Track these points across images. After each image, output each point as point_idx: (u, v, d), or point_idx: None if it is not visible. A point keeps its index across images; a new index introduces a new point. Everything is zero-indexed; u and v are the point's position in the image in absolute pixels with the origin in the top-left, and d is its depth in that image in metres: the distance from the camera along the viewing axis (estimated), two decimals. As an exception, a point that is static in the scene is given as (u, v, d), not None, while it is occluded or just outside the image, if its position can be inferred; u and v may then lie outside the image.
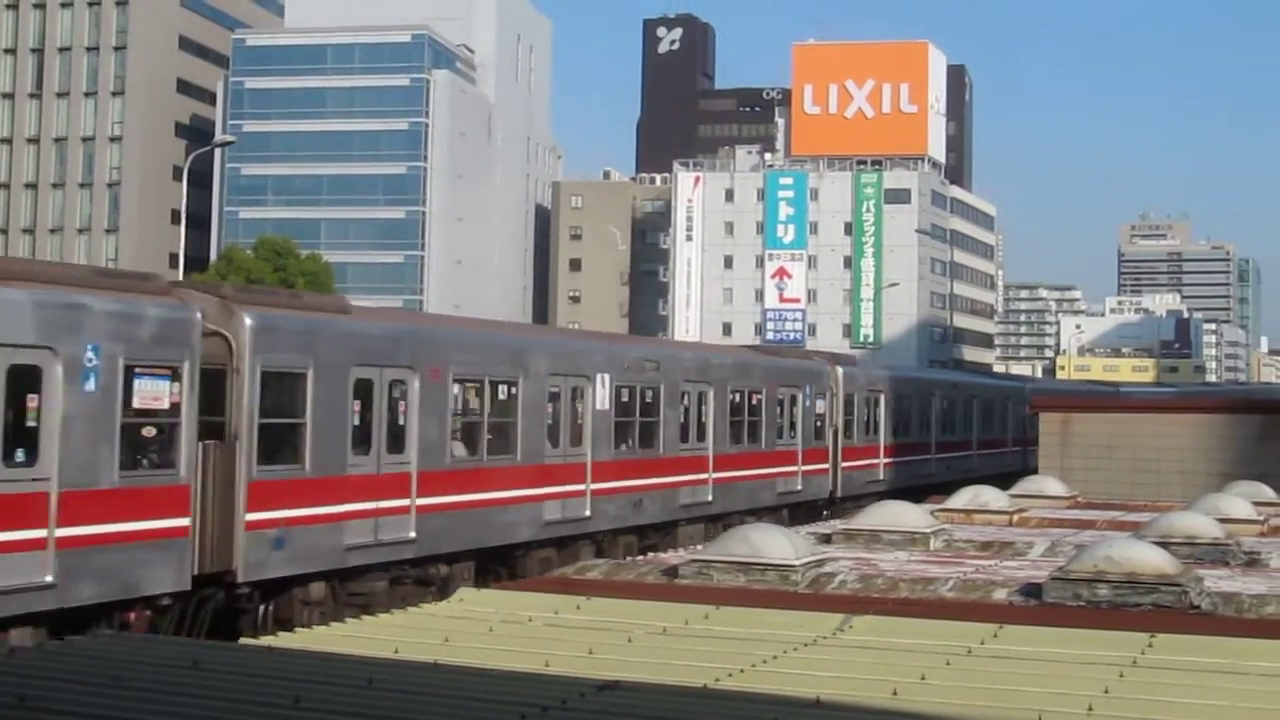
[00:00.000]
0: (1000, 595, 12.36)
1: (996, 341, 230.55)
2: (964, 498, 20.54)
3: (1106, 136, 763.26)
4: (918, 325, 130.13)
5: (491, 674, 7.38)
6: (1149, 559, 12.16)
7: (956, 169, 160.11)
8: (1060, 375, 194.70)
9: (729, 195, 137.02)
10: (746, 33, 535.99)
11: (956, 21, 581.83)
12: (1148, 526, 16.44)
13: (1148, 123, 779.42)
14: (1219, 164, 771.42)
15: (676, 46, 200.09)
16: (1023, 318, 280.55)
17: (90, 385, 15.72)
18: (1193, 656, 9.79)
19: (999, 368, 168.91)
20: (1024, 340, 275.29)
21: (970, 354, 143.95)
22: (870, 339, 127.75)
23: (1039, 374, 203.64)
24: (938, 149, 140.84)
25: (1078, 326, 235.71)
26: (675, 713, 6.79)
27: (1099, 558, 12.24)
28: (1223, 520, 18.64)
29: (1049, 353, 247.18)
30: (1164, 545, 15.97)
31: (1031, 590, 12.36)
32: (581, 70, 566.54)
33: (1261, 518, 19.60)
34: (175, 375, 16.65)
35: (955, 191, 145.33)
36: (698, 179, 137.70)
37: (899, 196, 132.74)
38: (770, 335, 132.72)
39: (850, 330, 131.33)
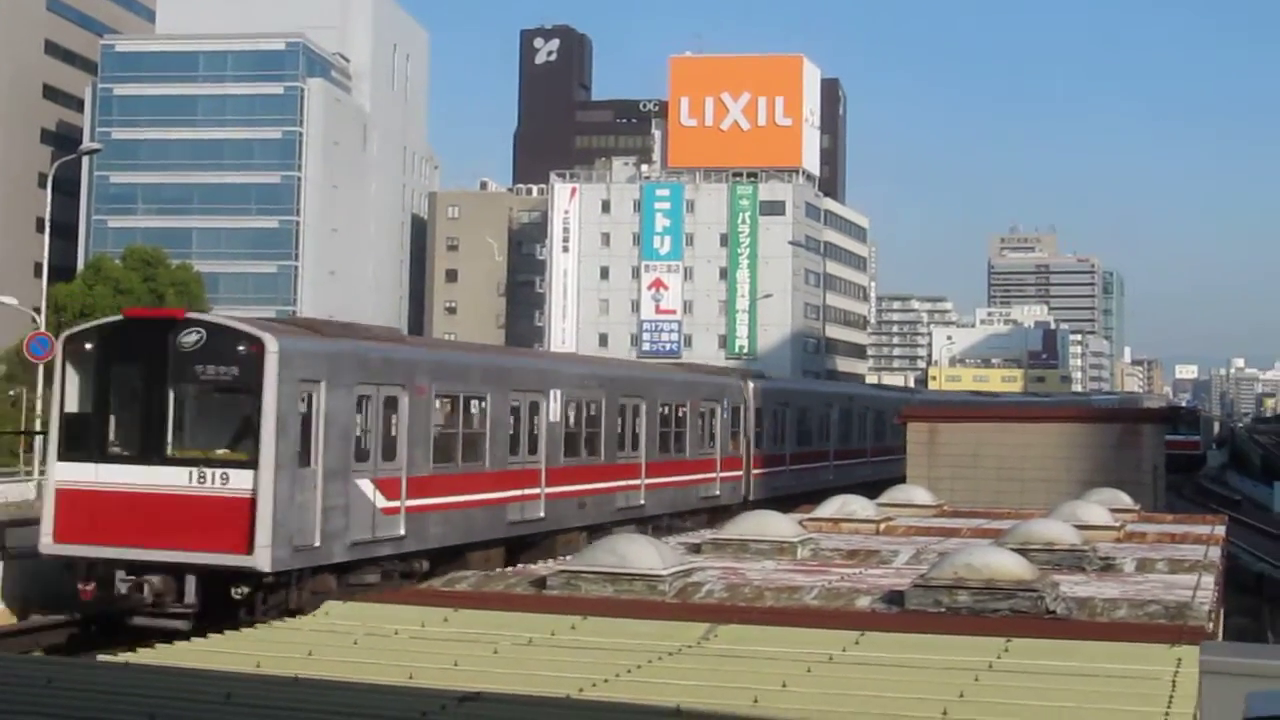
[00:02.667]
0: (864, 603, 12.55)
1: (869, 352, 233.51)
2: (832, 507, 20.79)
3: (977, 151, 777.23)
4: (792, 336, 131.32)
5: (353, 687, 7.36)
6: (1007, 566, 12.42)
7: (830, 181, 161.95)
8: (932, 385, 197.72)
9: (605, 206, 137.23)
10: (624, 45, 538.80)
11: (830, 36, 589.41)
12: (1008, 534, 16.77)
13: (1017, 138, 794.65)
14: (1086, 179, 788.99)
15: (554, 58, 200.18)
16: (895, 328, 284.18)
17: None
18: (1046, 660, 10.02)
19: (871, 378, 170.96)
20: (897, 351, 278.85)
21: (843, 364, 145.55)
22: (745, 350, 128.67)
23: (911, 384, 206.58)
24: (812, 162, 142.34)
25: (949, 338, 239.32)
26: (535, 723, 6.84)
27: (959, 565, 12.49)
28: (1081, 527, 19.08)
29: (921, 363, 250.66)
30: (1023, 552, 16.32)
31: (894, 597, 12.56)
32: (459, 80, 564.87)
33: (1118, 524, 20.07)
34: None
35: (829, 204, 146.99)
36: (574, 190, 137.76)
37: (774, 208, 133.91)
38: (646, 346, 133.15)
39: (726, 341, 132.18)
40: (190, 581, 20.78)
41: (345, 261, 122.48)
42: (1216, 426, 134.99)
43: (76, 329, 23.26)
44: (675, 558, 13.44)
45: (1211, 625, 15.14)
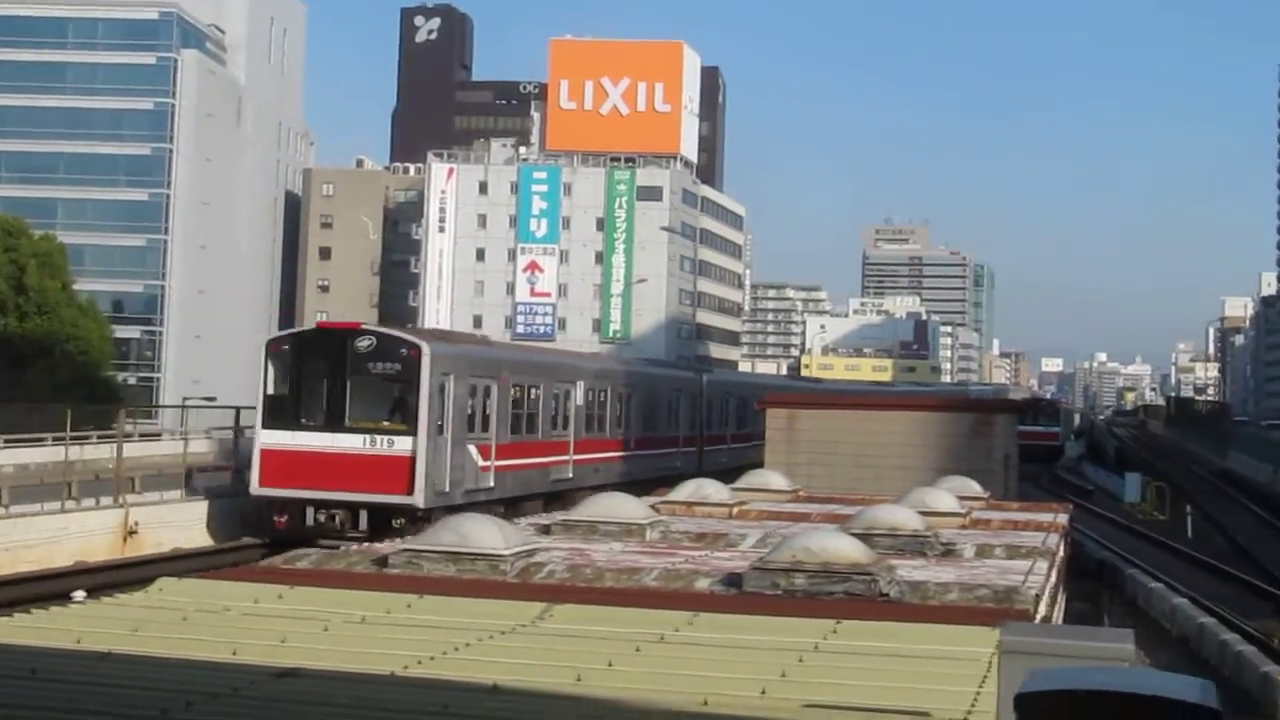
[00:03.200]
0: (703, 585, 12.69)
1: (743, 339, 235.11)
2: (685, 491, 20.95)
3: (855, 142, 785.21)
4: (666, 322, 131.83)
5: (166, 663, 7.31)
6: (843, 549, 12.63)
7: (708, 169, 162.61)
8: (805, 373, 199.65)
9: (483, 188, 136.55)
10: (505, 25, 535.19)
11: (711, 24, 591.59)
12: (854, 519, 17.04)
13: (893, 130, 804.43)
14: (958, 173, 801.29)
15: (434, 36, 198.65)
16: (770, 316, 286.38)
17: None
18: (873, 641, 10.21)
19: (745, 365, 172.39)
20: (771, 339, 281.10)
21: (717, 351, 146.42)
22: (619, 335, 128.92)
23: (784, 371, 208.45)
24: (690, 148, 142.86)
25: (822, 327, 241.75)
26: (346, 698, 6.85)
27: (797, 548, 12.68)
28: (927, 514, 19.42)
29: (795, 351, 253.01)
30: (867, 537, 16.60)
31: (733, 580, 12.72)
32: (337, 56, 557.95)
33: (964, 511, 20.48)
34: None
35: (706, 191, 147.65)
36: (452, 170, 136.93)
37: (651, 194, 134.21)
38: (520, 329, 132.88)
39: (600, 326, 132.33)
40: (363, 515, 28.50)
41: (216, 236, 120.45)
42: (1077, 419, 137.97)
43: (276, 335, 33.11)
44: (519, 538, 13.49)
45: (1045, 609, 15.54)
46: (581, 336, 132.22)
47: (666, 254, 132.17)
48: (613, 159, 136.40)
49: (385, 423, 29.41)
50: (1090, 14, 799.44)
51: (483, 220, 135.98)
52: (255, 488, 29.32)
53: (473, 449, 30.78)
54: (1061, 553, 22.21)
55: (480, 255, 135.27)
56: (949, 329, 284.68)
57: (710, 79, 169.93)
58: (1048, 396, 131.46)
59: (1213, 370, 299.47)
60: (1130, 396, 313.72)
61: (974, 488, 24.26)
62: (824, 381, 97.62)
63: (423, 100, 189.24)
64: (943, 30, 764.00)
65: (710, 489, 21.24)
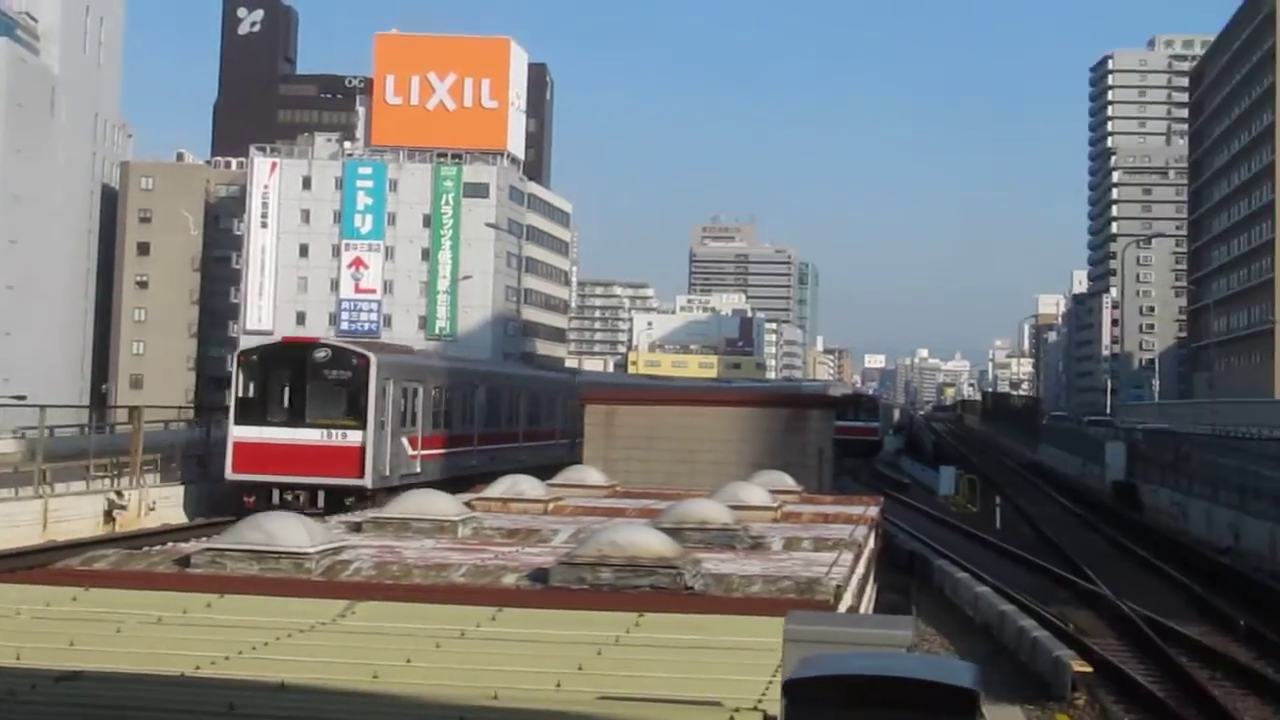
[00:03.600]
0: (510, 580, 12.72)
1: (571, 336, 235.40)
2: (501, 487, 20.95)
3: (682, 141, 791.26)
4: (492, 319, 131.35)
5: (-61, 668, 7.12)
6: (649, 543, 12.76)
7: (535, 166, 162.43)
8: (632, 370, 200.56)
9: (306, 183, 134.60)
10: (330, 19, 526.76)
11: (539, 21, 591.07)
12: (665, 514, 17.22)
13: (721, 129, 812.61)
14: (784, 172, 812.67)
15: (258, 29, 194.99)
16: (598, 313, 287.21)
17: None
18: (674, 634, 10.33)
19: (572, 362, 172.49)
20: (598, 335, 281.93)
21: (543, 348, 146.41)
22: (446, 331, 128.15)
23: (610, 369, 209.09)
24: (517, 145, 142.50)
25: (649, 324, 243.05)
26: (129, 699, 6.76)
27: (604, 543, 12.78)
28: (739, 508, 19.72)
29: (622, 348, 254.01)
30: (677, 531, 16.79)
31: (540, 575, 12.78)
32: (157, 47, 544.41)
33: (776, 505, 20.82)
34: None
35: (533, 188, 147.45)
36: (275, 165, 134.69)
37: (478, 190, 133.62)
38: (344, 326, 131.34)
39: (426, 323, 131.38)
40: (320, 495, 34.22)
41: (28, 230, 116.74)
42: (897, 414, 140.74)
43: (245, 348, 39.17)
44: (325, 536, 13.38)
45: (851, 599, 15.89)
46: (407, 334, 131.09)
47: (493, 251, 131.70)
48: (439, 155, 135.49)
49: (340, 419, 35.36)
50: (904, 13, 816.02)
51: (306, 216, 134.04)
52: (230, 474, 34.96)
53: (405, 440, 37.00)
54: (870, 544, 22.70)
55: (304, 251, 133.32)
56: (774, 326, 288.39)
57: (537, 76, 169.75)
58: (868, 392, 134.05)
59: (1027, 366, 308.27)
60: (950, 392, 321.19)
61: (787, 482, 24.66)
62: (681, 380, 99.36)
63: (245, 93, 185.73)
64: (763, 28, 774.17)
65: (525, 485, 21.26)
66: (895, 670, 5.53)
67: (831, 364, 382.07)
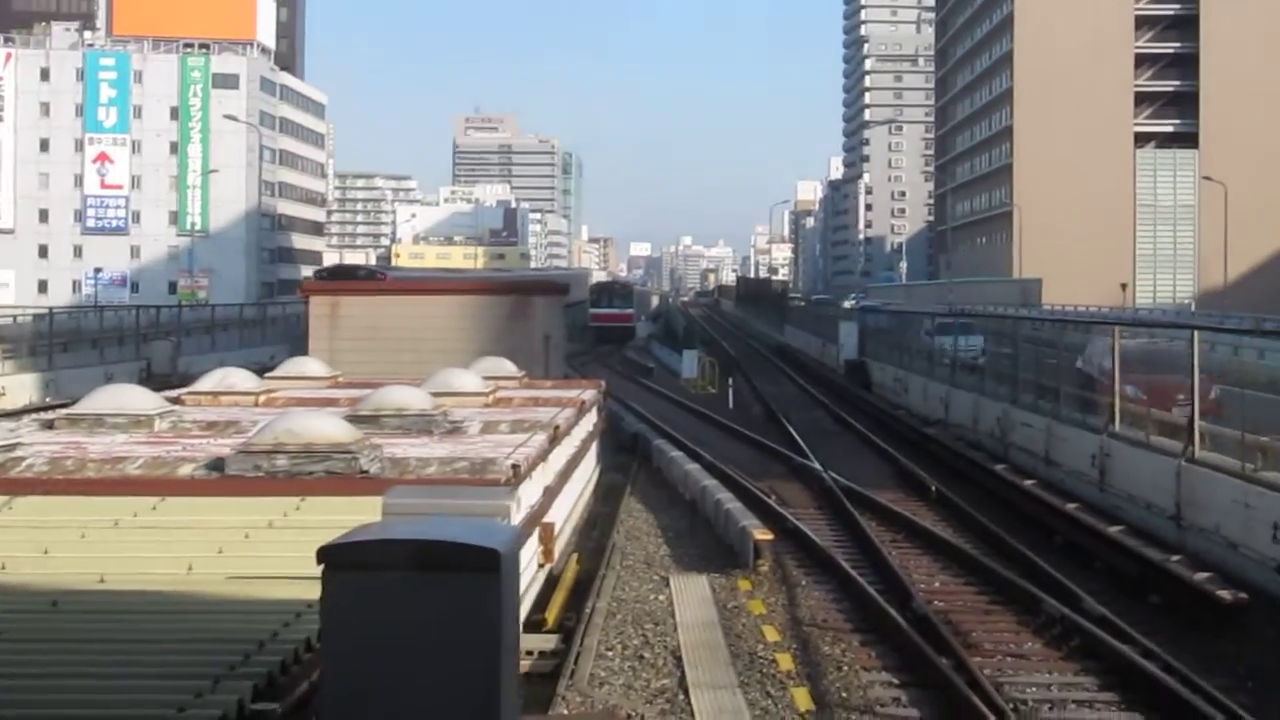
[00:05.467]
0: (185, 471, 12.85)
1: (333, 230, 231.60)
2: (212, 380, 20.88)
3: (442, 31, 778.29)
4: (246, 213, 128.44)
5: None
6: (325, 430, 13.02)
7: (288, 56, 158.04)
8: (395, 262, 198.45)
9: (45, 74, 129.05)
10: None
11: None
12: (363, 401, 17.47)
13: (479, 18, 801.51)
14: (547, 62, 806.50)
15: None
16: (360, 206, 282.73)
17: None
18: (331, 516, 10.62)
19: (333, 256, 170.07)
20: (360, 229, 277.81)
21: (300, 242, 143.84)
22: (198, 227, 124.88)
23: (372, 262, 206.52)
24: (268, 34, 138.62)
25: (413, 215, 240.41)
26: None
27: (280, 430, 12.99)
28: (449, 394, 20.04)
29: (385, 241, 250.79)
30: (374, 418, 17.08)
31: (217, 464, 12.94)
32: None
33: (489, 390, 21.20)
34: None
35: (285, 78, 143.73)
36: (10, 55, 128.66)
37: (227, 81, 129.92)
38: (91, 223, 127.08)
39: (177, 218, 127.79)
40: None
41: None
42: (655, 300, 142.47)
43: None
44: (3, 432, 13.30)
45: (541, 477, 16.40)
46: (157, 230, 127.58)
47: (245, 144, 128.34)
48: (186, 45, 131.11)
49: None
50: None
51: (46, 109, 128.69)
52: None
53: None
54: (586, 426, 23.30)
55: (44, 146, 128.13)
56: (539, 216, 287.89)
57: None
58: (622, 280, 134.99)
59: (787, 251, 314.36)
60: (713, 278, 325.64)
61: (508, 368, 25.04)
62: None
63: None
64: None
65: (237, 377, 21.22)
66: (423, 534, 5.90)
67: (597, 253, 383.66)
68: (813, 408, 39.96)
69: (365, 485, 12.20)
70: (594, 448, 24.90)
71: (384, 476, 12.85)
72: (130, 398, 17.00)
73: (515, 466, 13.66)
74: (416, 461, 13.56)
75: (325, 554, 5.86)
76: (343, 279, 39.42)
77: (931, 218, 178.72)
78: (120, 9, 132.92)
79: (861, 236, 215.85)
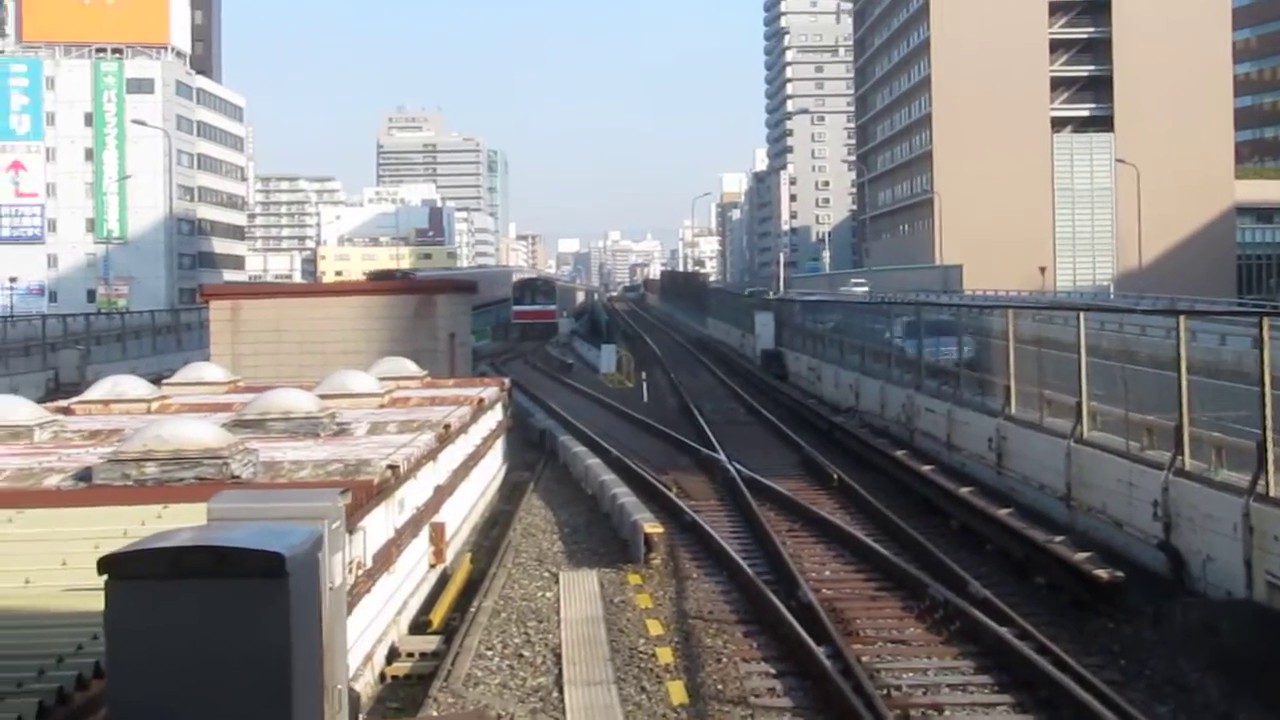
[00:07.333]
0: (52, 481, 12.67)
1: (257, 233, 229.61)
2: (103, 388, 20.62)
3: (363, 31, 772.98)
4: (165, 219, 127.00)
5: None
6: (195, 435, 12.87)
7: (205, 59, 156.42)
8: (321, 264, 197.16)
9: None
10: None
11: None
12: (249, 405, 17.31)
13: (402, 16, 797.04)
14: (469, 60, 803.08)
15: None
16: (284, 209, 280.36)
17: None
18: (194, 522, 10.47)
19: (256, 260, 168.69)
20: (285, 231, 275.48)
21: (221, 246, 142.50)
22: (115, 233, 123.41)
23: (297, 264, 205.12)
24: (182, 38, 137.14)
25: (337, 217, 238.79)
26: None
27: (149, 437, 12.83)
28: (341, 396, 19.91)
29: (310, 243, 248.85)
30: (260, 422, 16.90)
31: (85, 474, 12.77)
32: None
33: (384, 391, 21.08)
34: None
35: (202, 82, 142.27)
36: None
37: (142, 86, 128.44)
38: (6, 232, 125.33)
39: (95, 225, 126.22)
40: None
41: None
42: (580, 296, 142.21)
43: None
44: None
45: (427, 477, 16.31)
46: (74, 238, 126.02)
47: (162, 148, 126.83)
48: (99, 50, 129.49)
49: None
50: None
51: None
52: None
53: None
54: (489, 424, 23.21)
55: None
56: (465, 215, 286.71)
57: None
58: (544, 277, 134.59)
59: (715, 244, 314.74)
60: (643, 273, 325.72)
61: (410, 368, 24.92)
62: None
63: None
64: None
65: (129, 385, 20.98)
66: (209, 540, 5.82)
67: (525, 250, 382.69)
68: (727, 399, 40.06)
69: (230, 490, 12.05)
70: (498, 445, 24.83)
71: (256, 481, 12.74)
72: (7, 409, 16.75)
73: (393, 467, 13.59)
74: (291, 465, 13.45)
75: (106, 564, 5.75)
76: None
77: (855, 207, 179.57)
78: (30, 14, 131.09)
79: (786, 227, 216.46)
